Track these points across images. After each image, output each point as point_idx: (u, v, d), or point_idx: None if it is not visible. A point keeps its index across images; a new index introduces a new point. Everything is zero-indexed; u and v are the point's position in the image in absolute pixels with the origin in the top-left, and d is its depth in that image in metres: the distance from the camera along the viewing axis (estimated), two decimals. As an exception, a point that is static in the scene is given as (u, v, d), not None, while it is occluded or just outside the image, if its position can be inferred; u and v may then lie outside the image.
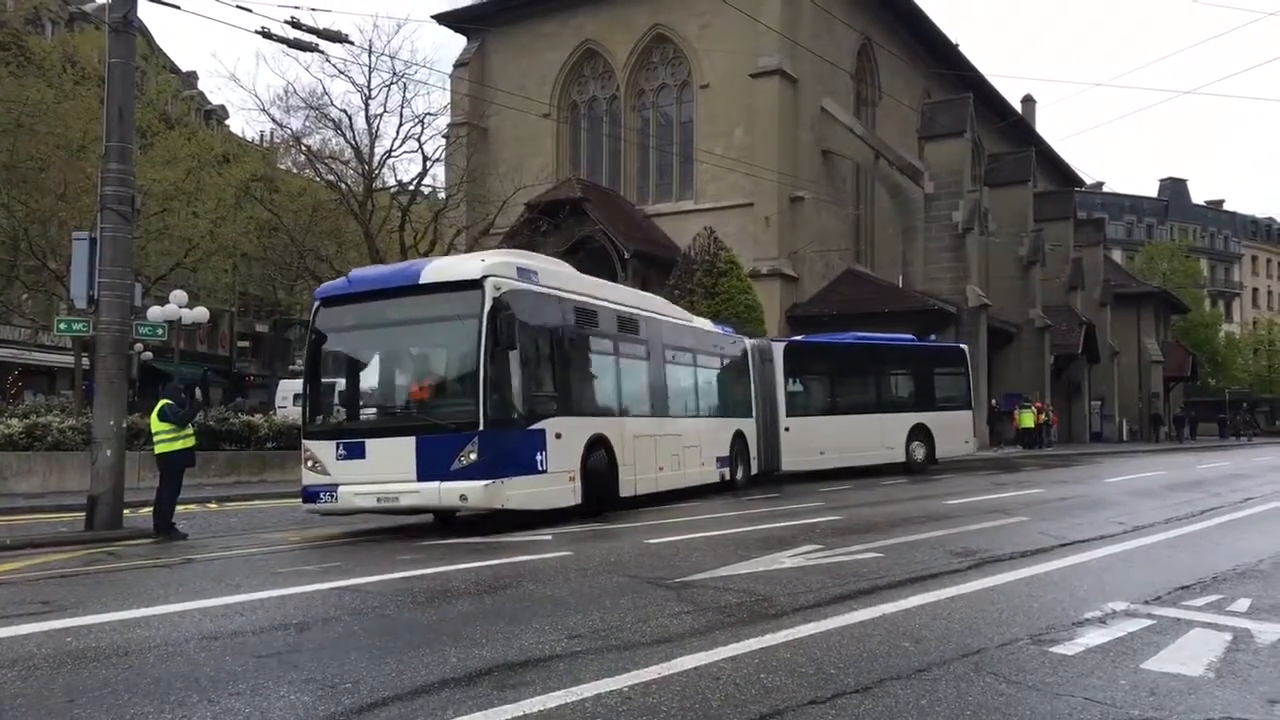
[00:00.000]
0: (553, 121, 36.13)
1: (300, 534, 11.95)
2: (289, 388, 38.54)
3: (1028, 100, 56.69)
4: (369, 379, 11.90)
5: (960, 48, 41.36)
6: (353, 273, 12.40)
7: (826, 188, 34.09)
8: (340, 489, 10.88)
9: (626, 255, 29.10)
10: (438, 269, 11.36)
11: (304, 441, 11.41)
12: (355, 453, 10.87)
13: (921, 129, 37.96)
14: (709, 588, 7.30)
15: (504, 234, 28.13)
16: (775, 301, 30.95)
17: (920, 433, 23.27)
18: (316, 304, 11.81)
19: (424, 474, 10.54)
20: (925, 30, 38.67)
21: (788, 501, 15.48)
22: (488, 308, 10.55)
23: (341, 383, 12.03)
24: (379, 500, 10.79)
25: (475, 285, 10.73)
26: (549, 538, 10.60)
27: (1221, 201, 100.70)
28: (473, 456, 10.43)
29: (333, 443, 11.08)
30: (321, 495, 11.04)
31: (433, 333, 11.49)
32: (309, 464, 11.20)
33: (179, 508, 11.93)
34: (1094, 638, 5.70)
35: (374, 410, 11.72)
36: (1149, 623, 6.10)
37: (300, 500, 11.79)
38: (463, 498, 10.50)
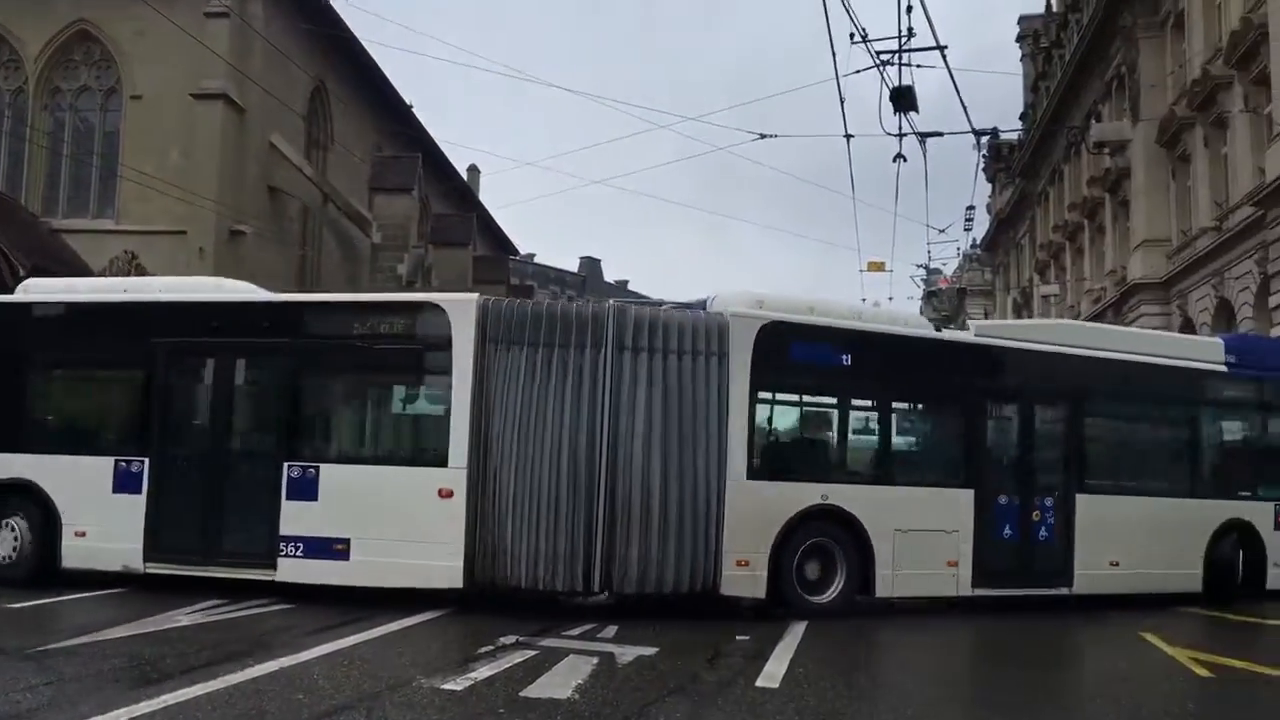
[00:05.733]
0: (-67, 105, 29.92)
1: None
2: None
3: (473, 169, 60.40)
4: None
5: (414, 109, 42.78)
6: None
7: (272, 224, 32.65)
8: None
9: (22, 272, 24.89)
10: None
11: None
12: None
13: (372, 180, 38.36)
14: (83, 654, 6.40)
15: None
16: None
17: None
18: None
19: None
20: (379, 86, 39.31)
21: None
22: None
23: None
24: None
25: None
26: None
27: (627, 281, 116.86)
28: None
29: None
30: None
31: None
32: None
33: None
34: (484, 672, 6.08)
35: None
36: (534, 654, 6.68)
37: None
38: None
